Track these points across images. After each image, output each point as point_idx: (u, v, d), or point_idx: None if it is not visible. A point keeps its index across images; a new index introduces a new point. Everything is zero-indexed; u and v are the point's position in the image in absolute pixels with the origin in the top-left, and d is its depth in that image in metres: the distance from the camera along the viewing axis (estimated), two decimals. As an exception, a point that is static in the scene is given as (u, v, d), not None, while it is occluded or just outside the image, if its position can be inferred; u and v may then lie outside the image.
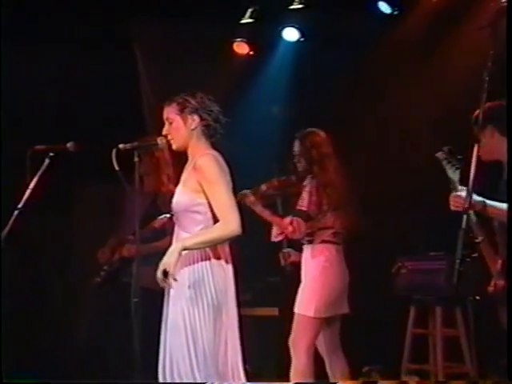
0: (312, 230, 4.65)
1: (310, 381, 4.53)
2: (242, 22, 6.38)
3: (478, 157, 3.48)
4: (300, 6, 6.14)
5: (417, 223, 6.06)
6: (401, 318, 5.68)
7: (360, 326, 5.86)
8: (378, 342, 5.75)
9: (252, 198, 4.70)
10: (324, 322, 4.63)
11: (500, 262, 3.74)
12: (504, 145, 3.73)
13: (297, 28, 6.36)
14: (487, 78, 3.50)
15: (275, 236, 4.84)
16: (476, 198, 3.53)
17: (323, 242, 4.66)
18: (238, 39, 6.47)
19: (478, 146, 3.54)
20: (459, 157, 3.61)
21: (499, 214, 3.58)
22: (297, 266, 4.93)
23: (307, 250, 4.72)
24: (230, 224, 3.38)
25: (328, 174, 4.66)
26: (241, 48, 6.52)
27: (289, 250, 5.05)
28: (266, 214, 4.75)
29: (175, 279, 3.35)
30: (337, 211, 4.65)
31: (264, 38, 6.53)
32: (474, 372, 4.95)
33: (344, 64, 6.16)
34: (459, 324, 5.40)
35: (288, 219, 4.65)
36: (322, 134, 4.84)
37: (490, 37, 3.59)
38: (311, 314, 4.57)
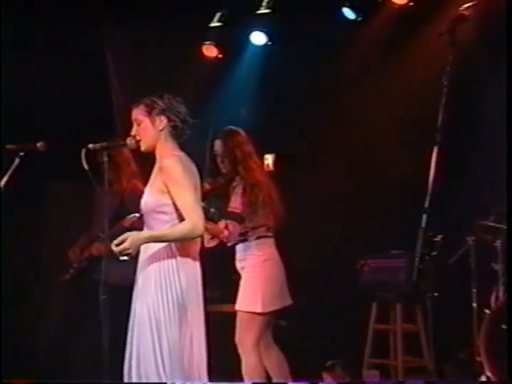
0: (245, 229, 4.55)
1: (263, 377, 4.49)
2: (211, 25, 6.37)
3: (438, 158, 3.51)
4: (267, 11, 6.15)
5: (380, 222, 6.11)
6: (363, 314, 5.72)
7: (324, 321, 5.90)
8: (342, 338, 5.78)
9: None
10: (269, 317, 4.57)
11: None
12: None
13: (264, 32, 6.37)
14: (446, 83, 3.53)
15: (207, 241, 4.59)
16: None
17: (259, 237, 4.57)
18: (207, 42, 6.46)
19: (438, 148, 3.57)
20: None
21: None
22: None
23: (243, 248, 4.61)
24: (194, 224, 3.38)
25: (254, 172, 4.55)
26: (210, 51, 6.51)
27: None
28: None
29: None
30: (265, 208, 4.55)
31: (232, 41, 6.53)
32: (431, 365, 5.00)
33: (310, 67, 6.20)
34: (419, 320, 5.45)
35: (223, 223, 4.49)
36: (243, 132, 4.69)
37: (449, 43, 3.62)
38: (259, 309, 4.47)
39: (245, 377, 4.50)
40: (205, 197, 4.49)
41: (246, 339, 4.51)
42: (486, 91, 5.70)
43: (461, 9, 3.69)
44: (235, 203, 4.53)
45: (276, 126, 6.34)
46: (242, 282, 4.62)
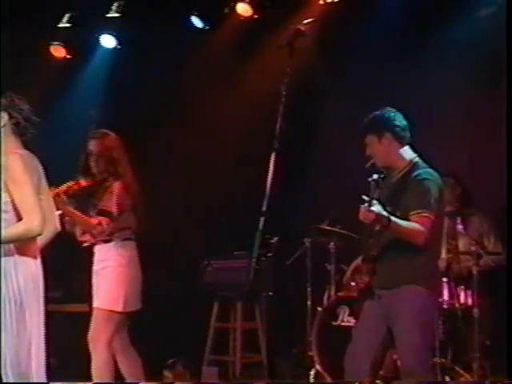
0: (114, 230, 4.55)
1: (112, 376, 4.43)
2: (60, 25, 6.20)
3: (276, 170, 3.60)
4: (117, 15, 6.07)
5: (224, 224, 6.17)
6: (206, 312, 5.76)
7: (167, 320, 5.89)
8: (184, 336, 5.79)
9: (64, 198, 4.44)
10: (125, 317, 4.55)
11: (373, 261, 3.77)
12: (399, 154, 3.78)
13: (114, 35, 6.29)
14: (284, 93, 3.63)
15: (80, 236, 4.66)
16: (383, 213, 3.55)
17: (126, 239, 4.58)
18: (55, 42, 6.29)
19: (276, 154, 3.66)
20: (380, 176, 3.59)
21: (399, 230, 3.60)
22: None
23: (108, 249, 4.57)
24: (30, 225, 3.27)
25: (127, 175, 4.57)
26: (58, 51, 6.34)
27: None
28: (75, 214, 4.52)
29: None
30: (133, 211, 4.58)
31: (81, 43, 6.41)
32: (266, 361, 5.12)
33: (158, 72, 6.18)
34: (257, 318, 5.55)
35: (96, 219, 4.51)
36: (116, 136, 4.71)
37: (287, 55, 3.72)
38: (119, 308, 4.45)
39: (94, 375, 4.42)
40: (79, 193, 4.47)
41: (100, 337, 4.45)
42: (322, 101, 5.95)
43: (299, 24, 3.81)
44: (108, 202, 4.52)
45: (124, 128, 6.27)
46: (102, 280, 4.54)
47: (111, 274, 4.53)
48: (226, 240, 6.02)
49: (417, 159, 3.80)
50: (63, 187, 4.47)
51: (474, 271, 4.81)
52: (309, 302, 5.54)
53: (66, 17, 6.18)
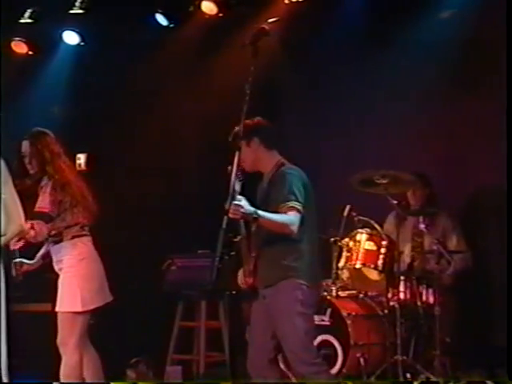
0: (57, 230, 4.44)
1: (81, 377, 4.40)
2: (22, 21, 6.15)
3: (239, 166, 3.64)
4: (80, 11, 6.04)
5: (188, 222, 6.17)
6: (170, 311, 5.76)
7: (131, 319, 5.87)
8: (148, 335, 5.79)
9: None
10: (90, 315, 4.51)
11: (253, 262, 3.88)
12: (266, 157, 3.94)
13: (77, 32, 6.25)
14: (248, 92, 3.66)
15: (14, 243, 4.36)
16: (249, 208, 3.63)
17: (74, 237, 4.46)
18: (17, 38, 6.24)
19: (239, 154, 3.68)
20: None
21: (270, 223, 3.71)
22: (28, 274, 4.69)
23: (59, 250, 4.48)
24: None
25: (63, 172, 4.47)
26: (19, 47, 6.30)
27: (21, 260, 4.60)
28: None
29: None
30: (77, 207, 4.47)
31: (44, 39, 6.36)
32: (229, 360, 5.14)
33: (122, 69, 6.17)
34: (221, 316, 5.57)
35: (28, 223, 4.25)
36: (51, 133, 4.60)
37: (251, 54, 3.74)
38: (78, 308, 4.38)
39: (62, 377, 4.37)
40: None
41: (68, 340, 4.39)
42: (285, 100, 5.98)
43: (264, 23, 3.83)
44: (42, 202, 4.40)
45: (86, 126, 6.25)
46: (59, 284, 4.46)
47: (65, 275, 4.46)
48: (190, 239, 6.03)
49: (282, 160, 3.95)
50: None
51: (436, 270, 4.88)
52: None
53: (28, 12, 6.12)
